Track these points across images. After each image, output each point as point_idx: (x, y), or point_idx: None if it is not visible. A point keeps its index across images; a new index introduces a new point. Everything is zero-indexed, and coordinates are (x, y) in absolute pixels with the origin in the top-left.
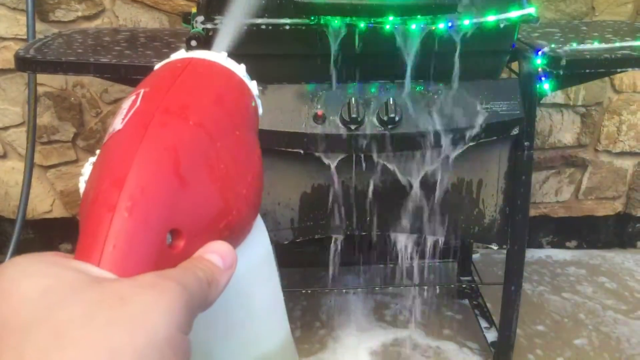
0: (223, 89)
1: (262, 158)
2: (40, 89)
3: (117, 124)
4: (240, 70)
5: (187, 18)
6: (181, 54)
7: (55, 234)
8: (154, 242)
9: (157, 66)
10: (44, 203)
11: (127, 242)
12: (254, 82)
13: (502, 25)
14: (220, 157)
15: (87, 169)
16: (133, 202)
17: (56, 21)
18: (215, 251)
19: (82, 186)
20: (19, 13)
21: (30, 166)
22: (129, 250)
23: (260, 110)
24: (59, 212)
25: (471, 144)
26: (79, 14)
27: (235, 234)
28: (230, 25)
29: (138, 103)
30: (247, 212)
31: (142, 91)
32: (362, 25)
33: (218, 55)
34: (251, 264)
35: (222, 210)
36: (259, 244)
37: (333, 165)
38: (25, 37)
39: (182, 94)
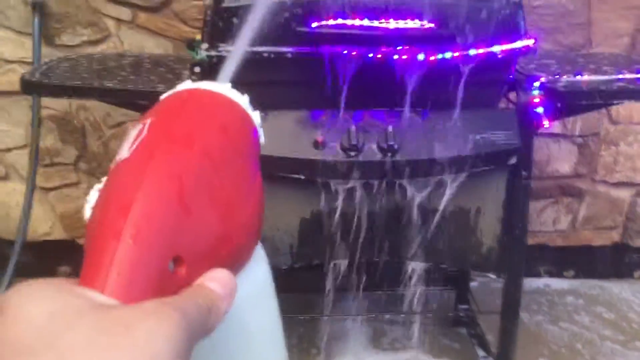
0: (227, 119)
1: (262, 184)
2: (44, 112)
3: (124, 152)
4: (243, 101)
5: (190, 45)
6: (187, 84)
7: (55, 256)
8: (157, 269)
9: (163, 96)
10: (43, 225)
11: (131, 270)
12: (257, 112)
13: (500, 56)
14: (223, 186)
15: (92, 195)
16: (138, 230)
17: (62, 45)
18: (215, 279)
19: (87, 212)
20: (24, 37)
21: (31, 188)
22: (133, 278)
23: (262, 140)
24: (58, 234)
25: (469, 172)
26: (85, 38)
27: (235, 262)
28: (235, 56)
29: (145, 132)
30: (248, 239)
31: (149, 120)
32: (363, 54)
33: (222, 87)
34: (250, 292)
35: (224, 237)
36: (258, 271)
37: (333, 192)
38: (30, 60)
39: (187, 123)
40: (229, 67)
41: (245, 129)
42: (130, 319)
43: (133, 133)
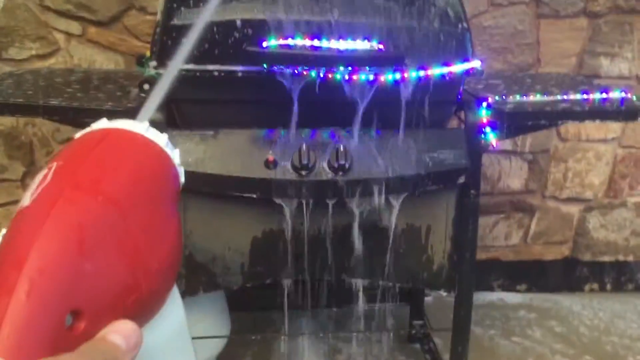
0: (140, 163)
1: (182, 227)
2: None
3: (26, 200)
4: (161, 140)
5: (140, 61)
6: (102, 123)
7: None
8: (52, 326)
9: (77, 135)
10: None
11: (24, 328)
12: (177, 151)
13: (448, 78)
14: (130, 233)
15: None
16: (31, 285)
17: (9, 59)
18: (118, 331)
19: None
20: None
21: None
22: (25, 336)
23: (182, 179)
24: None
25: (418, 191)
26: (33, 52)
27: (145, 310)
28: (157, 93)
29: (49, 178)
30: (160, 286)
31: (54, 165)
32: (313, 74)
33: (139, 126)
34: (163, 338)
35: (130, 287)
36: (172, 316)
37: (284, 210)
38: None
39: (95, 169)
40: (149, 106)
41: (161, 171)
42: None
43: (37, 178)
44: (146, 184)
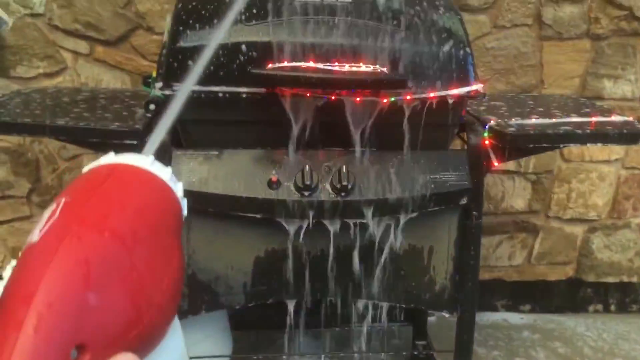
0: (145, 198)
1: (184, 259)
2: None
3: (34, 235)
4: (165, 174)
5: (146, 81)
6: (109, 158)
7: None
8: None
9: (84, 169)
10: None
11: None
12: (180, 184)
13: (450, 101)
14: (134, 267)
15: (7, 272)
16: (39, 320)
17: (17, 77)
18: None
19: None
20: None
21: None
22: None
23: (185, 212)
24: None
25: (420, 212)
26: (41, 71)
27: (146, 342)
28: (162, 126)
29: (57, 214)
30: (161, 319)
31: (62, 200)
32: (316, 96)
33: (144, 160)
34: None
35: (133, 320)
36: (172, 348)
37: (287, 230)
38: None
39: (101, 205)
40: (155, 139)
41: (165, 204)
42: None
43: (46, 214)
44: (151, 219)
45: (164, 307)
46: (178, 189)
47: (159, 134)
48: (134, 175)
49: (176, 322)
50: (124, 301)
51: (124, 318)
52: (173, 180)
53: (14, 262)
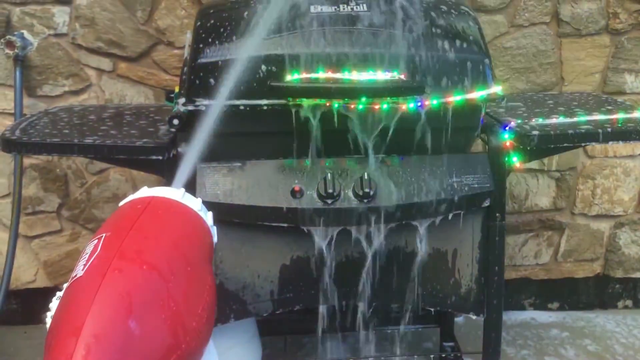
0: (178, 229)
1: (215, 283)
2: (26, 161)
3: (79, 270)
4: (196, 204)
5: (169, 96)
6: (143, 191)
7: (39, 304)
8: None
9: (121, 203)
10: (27, 273)
11: None
12: (210, 213)
13: (469, 104)
14: (171, 296)
15: (54, 303)
16: (88, 351)
17: (43, 96)
18: None
19: (48, 322)
20: (6, 88)
21: (14, 237)
22: None
23: (215, 239)
24: (42, 282)
25: (443, 216)
26: (66, 89)
27: None
28: (189, 158)
29: (99, 249)
30: (197, 343)
31: (103, 236)
32: (335, 105)
33: (176, 193)
34: None
35: (172, 346)
36: None
37: (311, 238)
38: (12, 111)
39: (138, 239)
40: (184, 170)
41: (197, 234)
42: None
43: (89, 249)
44: (184, 248)
45: (200, 332)
46: (208, 217)
47: (186, 166)
48: (167, 208)
49: (210, 344)
50: (163, 329)
51: (164, 344)
52: (204, 210)
53: (60, 294)
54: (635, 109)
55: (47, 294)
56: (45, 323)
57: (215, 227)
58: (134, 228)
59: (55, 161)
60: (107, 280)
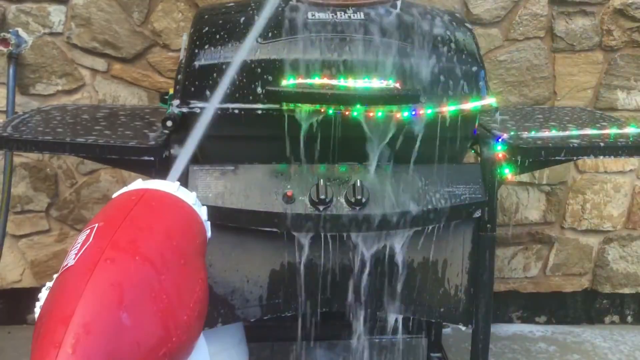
0: (172, 222)
1: (207, 278)
2: (16, 159)
3: (70, 259)
4: (190, 198)
5: (164, 98)
6: (137, 184)
7: (23, 304)
8: None
9: (114, 195)
10: (13, 272)
11: None
12: (204, 208)
13: (463, 115)
14: (163, 288)
15: (43, 294)
16: (77, 340)
17: (36, 95)
18: None
19: (37, 312)
20: None
21: (2, 235)
22: None
23: (209, 234)
24: (28, 281)
25: (434, 225)
26: (59, 88)
27: (174, 359)
28: (186, 152)
29: (91, 239)
30: (188, 337)
31: (96, 226)
32: (330, 112)
33: (170, 186)
34: None
35: (162, 339)
36: None
37: (302, 244)
38: (4, 109)
39: (132, 230)
40: (179, 165)
41: (190, 227)
42: None
43: (81, 238)
44: (177, 241)
45: (191, 326)
46: (202, 212)
47: (182, 161)
48: (161, 200)
49: (201, 340)
50: (154, 321)
51: (155, 336)
52: (198, 204)
53: (49, 284)
54: (627, 125)
55: (32, 294)
56: (29, 324)
57: (209, 222)
58: (127, 219)
59: (45, 160)
60: (99, 270)
